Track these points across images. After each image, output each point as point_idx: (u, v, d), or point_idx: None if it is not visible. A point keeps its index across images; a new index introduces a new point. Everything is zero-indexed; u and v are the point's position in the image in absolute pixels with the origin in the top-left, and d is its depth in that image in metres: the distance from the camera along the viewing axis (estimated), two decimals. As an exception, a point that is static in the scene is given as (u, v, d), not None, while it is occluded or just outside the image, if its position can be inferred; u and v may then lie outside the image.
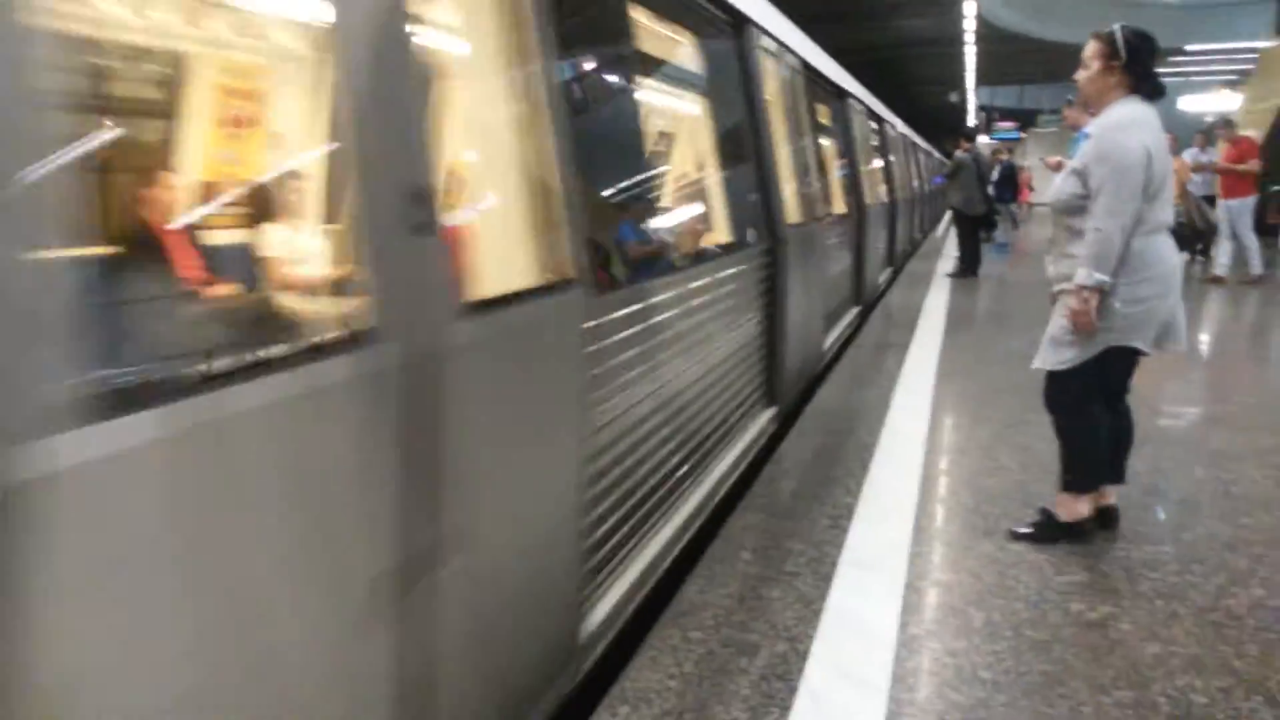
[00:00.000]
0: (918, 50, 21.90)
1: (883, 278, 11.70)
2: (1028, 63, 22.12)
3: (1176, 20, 19.89)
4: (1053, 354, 3.44)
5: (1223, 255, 11.23)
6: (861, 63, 14.78)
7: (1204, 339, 8.49)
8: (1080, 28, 16.53)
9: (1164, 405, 5.64)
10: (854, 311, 9.02)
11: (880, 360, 7.01)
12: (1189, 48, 21.08)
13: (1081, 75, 3.40)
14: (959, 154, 12.66)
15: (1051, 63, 22.43)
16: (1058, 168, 3.86)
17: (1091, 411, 3.50)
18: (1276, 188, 16.09)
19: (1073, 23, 19.22)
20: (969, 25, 18.13)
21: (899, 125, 15.59)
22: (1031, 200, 22.07)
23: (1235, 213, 10.90)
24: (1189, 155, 11.64)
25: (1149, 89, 3.36)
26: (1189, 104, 24.44)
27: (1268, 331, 9.17)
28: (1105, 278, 3.21)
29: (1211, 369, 7.08)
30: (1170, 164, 3.32)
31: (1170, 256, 3.34)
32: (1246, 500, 4.02)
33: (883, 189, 12.48)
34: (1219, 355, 7.67)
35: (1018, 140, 30.11)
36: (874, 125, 12.29)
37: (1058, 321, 3.41)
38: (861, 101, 10.76)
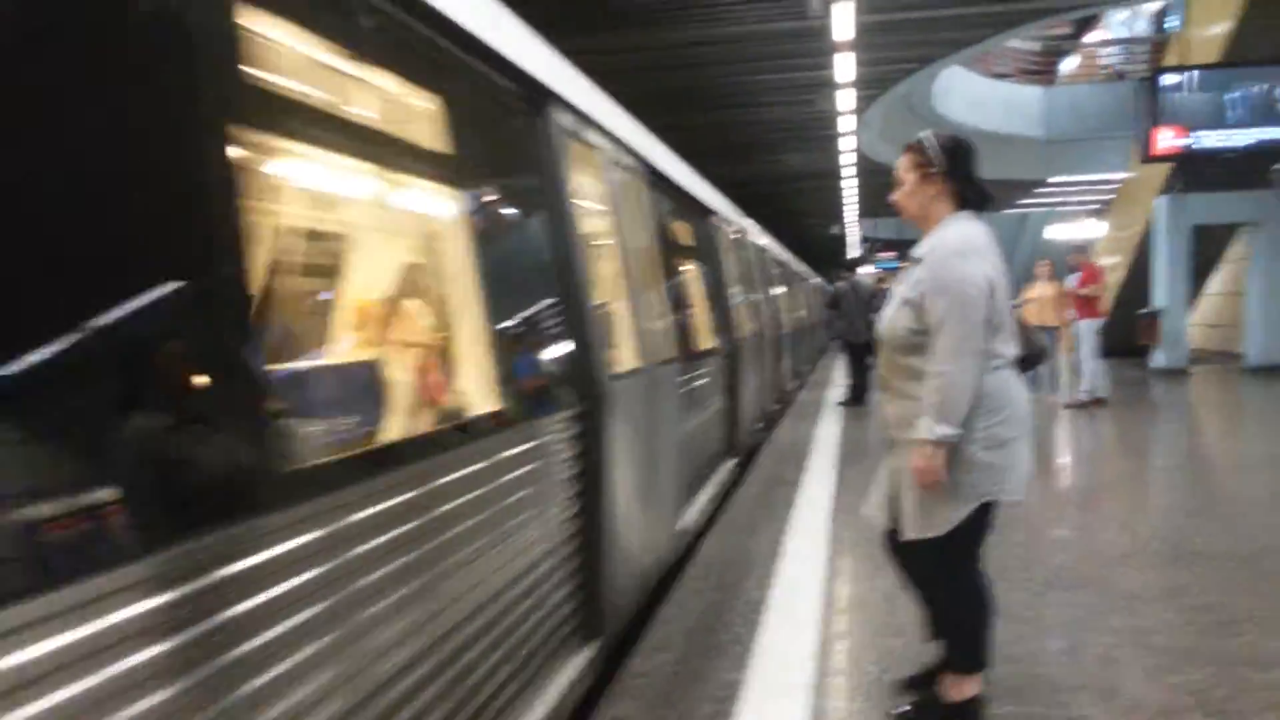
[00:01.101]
0: (800, 184, 22.49)
1: (764, 417, 10.33)
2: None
3: (1041, 153, 20.90)
4: (923, 518, 2.91)
5: (1088, 379, 11.58)
6: (747, 195, 14.95)
7: (1078, 463, 8.39)
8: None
9: (1060, 539, 5.34)
10: (729, 465, 7.45)
11: (770, 500, 6.59)
12: (1052, 180, 22.10)
13: (900, 193, 3.04)
14: (839, 284, 12.84)
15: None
16: None
17: (974, 577, 3.04)
18: (1145, 310, 16.76)
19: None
20: (848, 160, 18.67)
21: (777, 249, 14.43)
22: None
23: (1084, 334, 11.61)
24: (1072, 281, 11.94)
25: (975, 197, 2.98)
26: (1055, 232, 25.57)
27: (1143, 453, 9.14)
28: (952, 430, 2.77)
29: (1099, 497, 6.86)
30: (1009, 289, 2.97)
31: (1021, 392, 2.94)
32: (1169, 653, 3.64)
33: (764, 319, 11.08)
34: (1101, 482, 7.50)
35: (898, 269, 31.08)
36: (745, 245, 10.28)
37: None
38: (729, 221, 9.00)
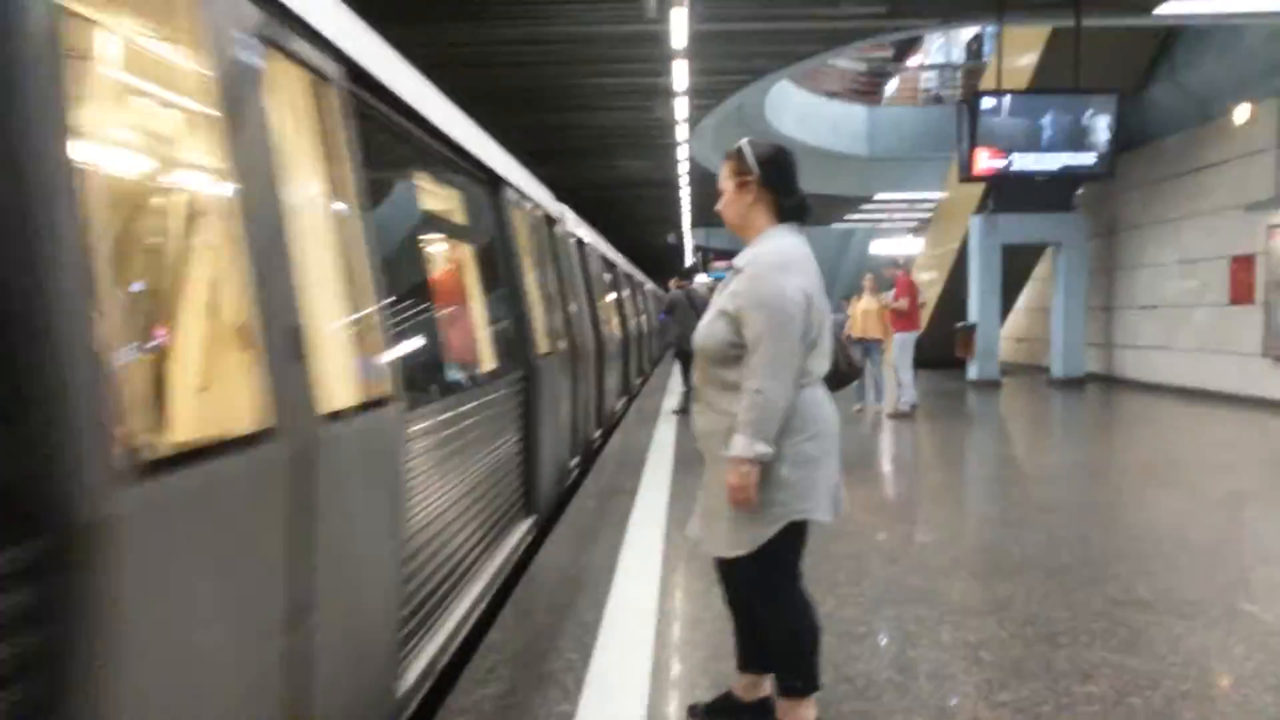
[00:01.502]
0: (638, 191, 22.54)
1: (600, 425, 9.76)
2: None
3: (865, 170, 21.70)
4: (732, 536, 2.81)
5: (904, 389, 12.07)
6: (585, 200, 14.79)
7: (901, 472, 8.61)
8: (784, 174, 17.61)
9: (888, 551, 5.37)
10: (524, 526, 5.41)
11: (606, 511, 6.39)
12: (876, 196, 22.99)
13: (721, 203, 2.95)
14: (674, 291, 12.76)
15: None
16: None
17: (795, 595, 2.93)
18: (961, 324, 17.57)
19: (776, 170, 20.45)
20: (684, 169, 18.82)
21: (604, 246, 12.69)
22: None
23: (899, 346, 12.18)
24: (889, 295, 12.36)
25: (794, 208, 2.89)
26: (879, 248, 26.65)
27: (962, 462, 9.49)
28: (768, 449, 2.69)
29: (924, 507, 7.00)
30: (826, 306, 2.89)
31: (830, 410, 2.89)
32: (998, 668, 3.64)
33: (581, 329, 9.03)
34: (925, 491, 7.69)
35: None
36: (550, 233, 7.63)
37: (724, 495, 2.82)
38: (529, 199, 6.59)
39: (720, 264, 32.92)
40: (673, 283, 13.01)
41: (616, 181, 20.82)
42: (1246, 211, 13.21)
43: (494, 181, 5.57)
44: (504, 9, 9.22)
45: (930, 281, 20.77)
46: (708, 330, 2.88)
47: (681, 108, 13.39)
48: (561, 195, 10.98)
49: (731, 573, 2.94)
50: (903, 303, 12.17)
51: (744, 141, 2.94)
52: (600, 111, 13.63)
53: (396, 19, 9.53)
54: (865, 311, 12.64)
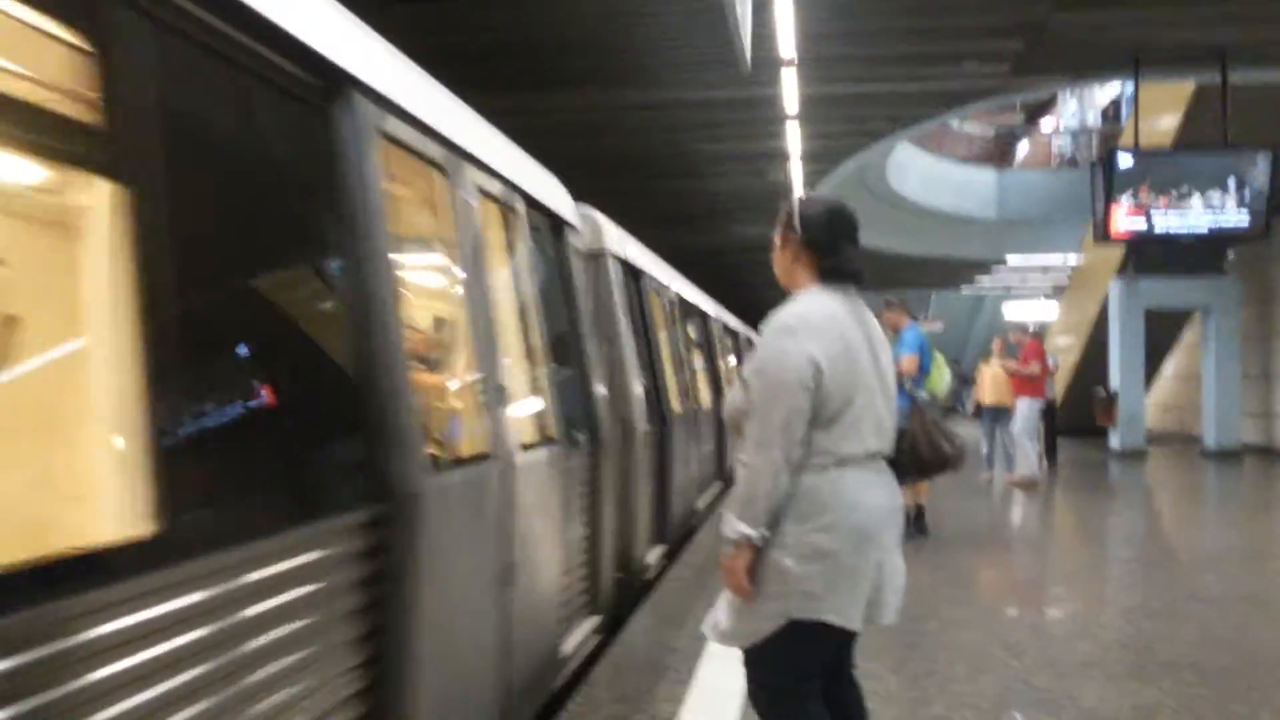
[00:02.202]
0: (754, 255, 22.29)
1: (706, 497, 9.44)
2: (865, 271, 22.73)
3: (995, 234, 20.96)
4: (727, 624, 2.51)
5: (1025, 459, 11.32)
6: (698, 264, 14.68)
7: (1029, 551, 7.96)
8: (903, 238, 16.97)
9: (1013, 644, 4.83)
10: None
11: (703, 584, 6.04)
12: (1009, 260, 22.17)
13: (773, 258, 2.71)
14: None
15: (878, 271, 23.23)
16: None
17: (798, 713, 2.52)
18: (1100, 391, 16.58)
19: (899, 232, 19.97)
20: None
21: (682, 288, 9.40)
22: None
23: (1021, 413, 11.49)
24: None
25: (832, 269, 2.58)
26: (1012, 312, 25.63)
27: (1100, 540, 8.73)
28: (752, 531, 2.39)
29: (1056, 592, 6.38)
30: (868, 378, 2.52)
31: (867, 499, 2.48)
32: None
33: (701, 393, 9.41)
34: (1058, 573, 7.04)
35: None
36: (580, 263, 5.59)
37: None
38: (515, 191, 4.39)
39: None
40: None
41: (731, 246, 20.64)
42: None
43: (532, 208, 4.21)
44: (609, 75, 9.21)
45: (1067, 347, 19.78)
46: (729, 398, 2.67)
47: (796, 172, 13.17)
48: (676, 261, 10.86)
49: (746, 671, 2.59)
50: (1034, 367, 11.49)
51: (796, 197, 2.72)
52: (711, 178, 13.52)
53: (500, 86, 9.69)
54: (995, 376, 12.01)
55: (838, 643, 2.52)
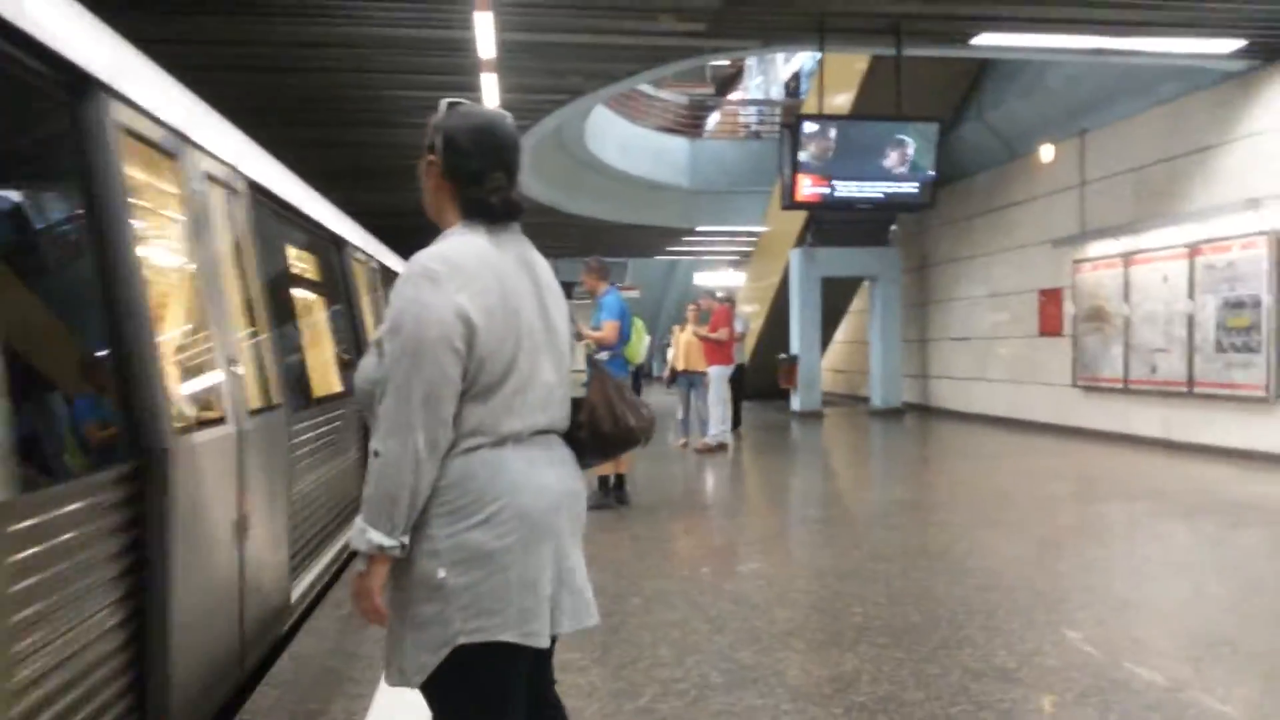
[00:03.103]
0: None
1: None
2: (560, 235, 22.58)
3: (687, 202, 21.46)
4: (392, 660, 1.93)
5: (714, 423, 11.63)
6: (390, 227, 13.69)
7: (722, 516, 8.02)
8: (608, 203, 16.86)
9: (715, 617, 4.63)
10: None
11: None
12: (699, 228, 22.80)
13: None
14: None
15: (585, 237, 23.19)
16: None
17: None
18: (784, 355, 17.44)
19: (601, 198, 19.92)
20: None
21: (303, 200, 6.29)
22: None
23: (714, 379, 11.77)
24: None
25: (476, 201, 2.01)
26: (703, 280, 26.55)
27: (785, 503, 8.99)
28: (387, 539, 1.84)
29: (746, 558, 6.35)
30: (535, 335, 2.00)
31: (534, 479, 1.96)
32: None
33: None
34: (750, 537, 7.07)
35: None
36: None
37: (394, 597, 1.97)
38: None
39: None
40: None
41: (420, 207, 19.65)
42: (1053, 247, 13.51)
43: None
44: (290, 4, 8.14)
45: (754, 314, 20.68)
46: (361, 367, 2.03)
47: (494, 127, 12.56)
48: (368, 221, 9.92)
49: (430, 709, 2.00)
50: (722, 333, 11.74)
51: (443, 103, 2.08)
52: (404, 129, 12.60)
53: (172, 10, 8.32)
54: (689, 343, 12.15)
55: (529, 660, 1.99)
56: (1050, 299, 13.92)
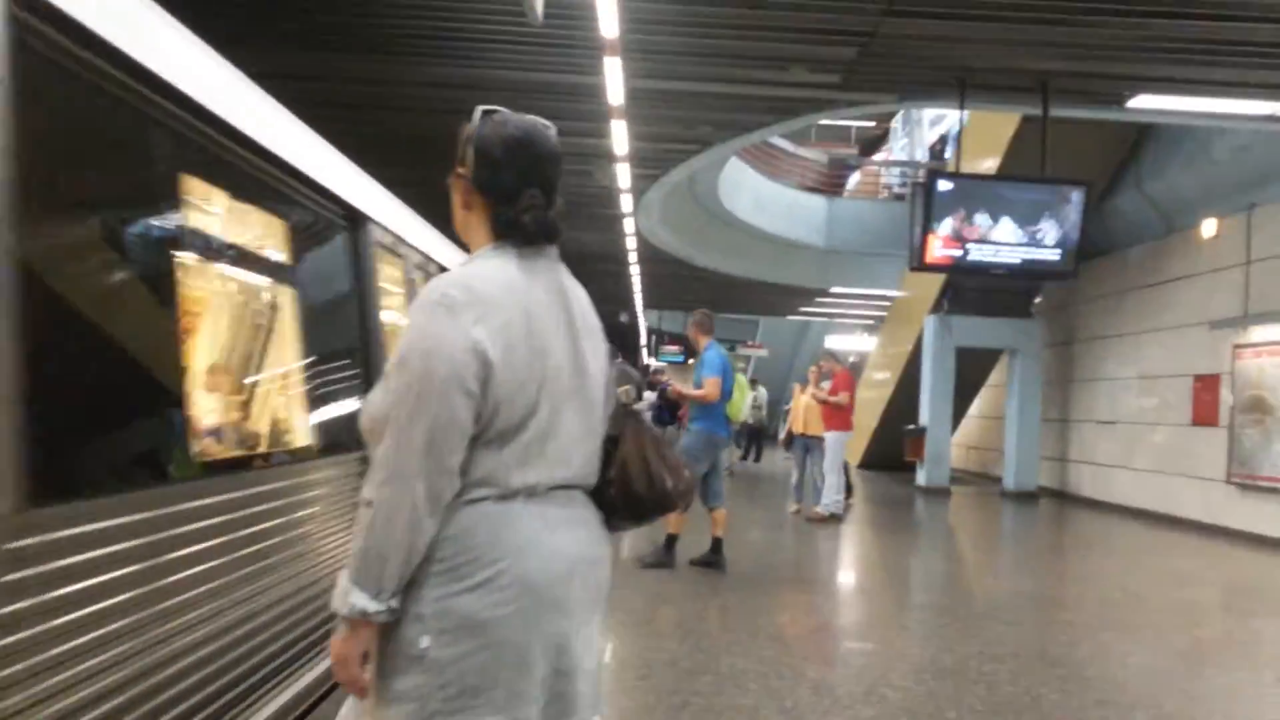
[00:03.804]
0: (589, 266, 21.63)
1: None
2: (689, 289, 22.46)
3: (822, 262, 20.98)
4: None
5: (830, 491, 11.03)
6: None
7: (815, 593, 7.50)
8: (740, 259, 16.60)
9: (791, 709, 4.20)
10: None
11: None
12: (833, 289, 22.28)
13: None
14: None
15: (715, 292, 23.01)
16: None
17: None
18: (911, 427, 16.69)
19: (733, 253, 19.70)
20: (631, 243, 17.96)
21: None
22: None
23: (830, 446, 11.20)
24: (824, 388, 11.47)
25: (509, 221, 1.79)
26: (832, 342, 25.90)
27: (891, 585, 8.38)
28: (372, 604, 1.59)
29: (836, 641, 5.85)
30: (562, 377, 1.76)
31: (546, 543, 1.70)
32: None
33: None
34: (843, 622, 6.55)
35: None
36: None
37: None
38: None
39: (671, 348, 31.91)
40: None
41: (567, 254, 19.80)
42: (1211, 329, 12.49)
43: None
44: (424, 44, 8.24)
45: (882, 381, 19.98)
46: (369, 401, 1.78)
47: (624, 175, 12.50)
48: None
49: None
50: (843, 397, 11.22)
51: (477, 110, 1.86)
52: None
53: (295, 43, 8.56)
54: (808, 406, 11.69)
55: None
56: (1206, 385, 12.83)
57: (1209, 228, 12.64)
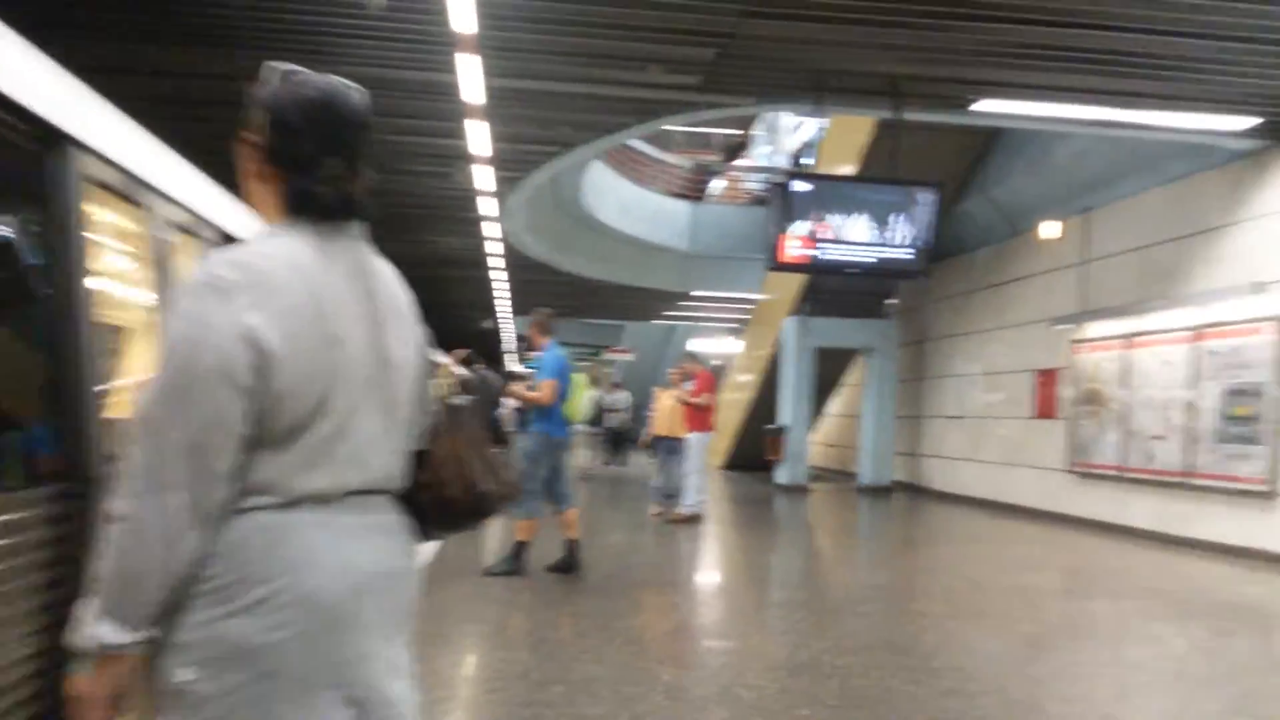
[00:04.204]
0: (451, 271, 21.20)
1: None
2: (556, 294, 22.31)
3: (685, 266, 21.17)
4: None
5: (689, 493, 11.09)
6: (409, 279, 13.35)
7: (677, 594, 7.51)
8: (600, 263, 16.52)
9: (639, 709, 4.13)
10: None
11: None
12: (695, 293, 22.49)
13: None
14: (471, 374, 11.71)
15: (577, 295, 22.91)
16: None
17: None
18: (771, 426, 16.98)
19: (597, 258, 19.65)
20: (494, 248, 17.66)
21: None
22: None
23: (693, 447, 11.21)
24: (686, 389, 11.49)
25: (302, 194, 1.58)
26: (695, 346, 26.17)
27: (753, 582, 8.46)
28: (124, 636, 1.39)
29: (696, 641, 5.84)
30: (360, 368, 1.56)
31: (333, 556, 1.51)
32: None
33: None
34: (704, 620, 6.55)
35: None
36: None
37: None
38: None
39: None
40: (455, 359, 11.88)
41: (430, 259, 19.42)
42: (1051, 326, 13.12)
43: None
44: (259, 37, 7.84)
45: (745, 383, 20.27)
46: (138, 399, 1.54)
47: (484, 177, 12.25)
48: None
49: None
50: (705, 398, 11.29)
51: (272, 69, 1.63)
52: (400, 175, 12.35)
53: (117, 37, 8.03)
54: (671, 408, 11.72)
55: None
56: (1046, 380, 13.48)
57: (1048, 229, 13.27)
